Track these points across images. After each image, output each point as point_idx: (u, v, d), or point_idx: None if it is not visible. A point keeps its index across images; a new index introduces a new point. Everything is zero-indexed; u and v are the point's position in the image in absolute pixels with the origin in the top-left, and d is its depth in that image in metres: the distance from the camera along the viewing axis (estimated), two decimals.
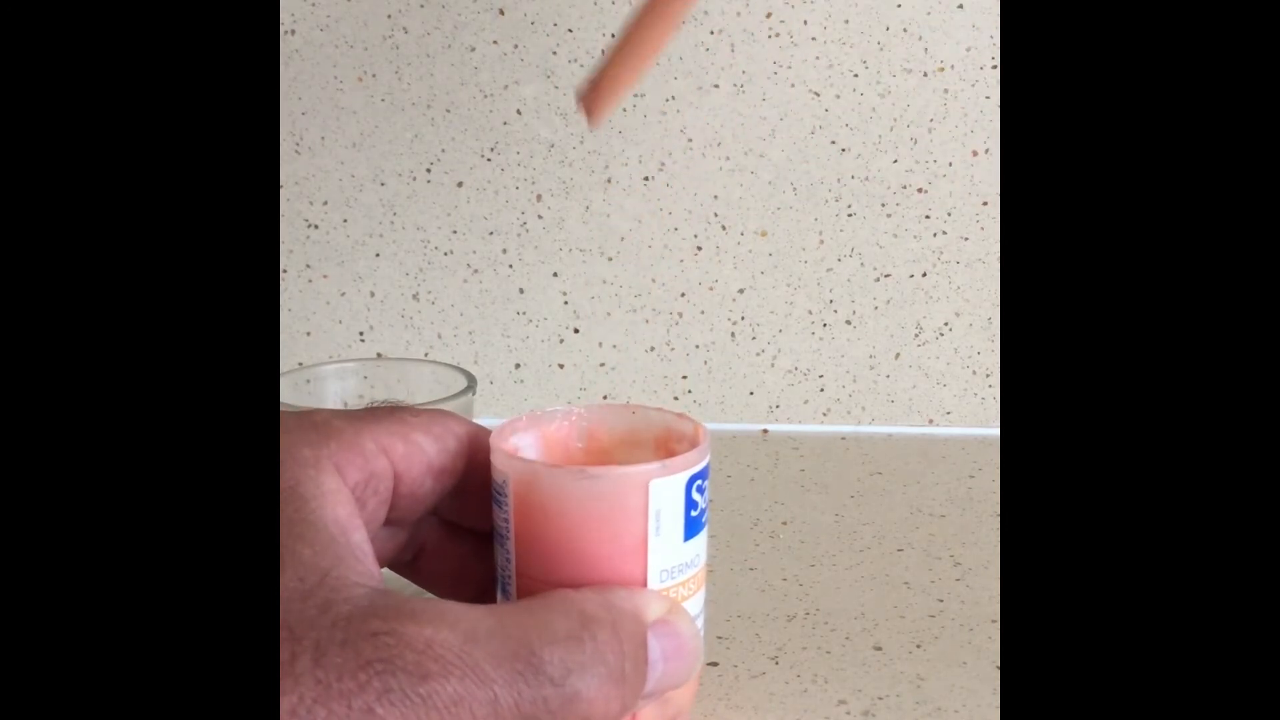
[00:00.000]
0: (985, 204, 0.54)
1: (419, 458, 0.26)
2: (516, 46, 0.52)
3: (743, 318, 0.56)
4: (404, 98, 0.53)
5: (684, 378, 0.57)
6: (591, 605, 0.22)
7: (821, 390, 0.57)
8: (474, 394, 0.37)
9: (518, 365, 0.57)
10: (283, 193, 0.54)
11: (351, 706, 0.19)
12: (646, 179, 0.54)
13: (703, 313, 0.56)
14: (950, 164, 0.53)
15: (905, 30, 0.52)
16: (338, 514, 0.22)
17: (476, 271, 0.55)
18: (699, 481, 0.25)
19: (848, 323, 0.56)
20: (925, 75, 0.52)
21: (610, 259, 0.55)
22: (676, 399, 0.57)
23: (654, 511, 0.24)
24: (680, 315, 0.56)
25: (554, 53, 0.52)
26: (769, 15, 0.52)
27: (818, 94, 0.53)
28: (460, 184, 0.54)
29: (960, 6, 0.51)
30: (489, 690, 0.20)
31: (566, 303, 0.56)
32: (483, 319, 0.56)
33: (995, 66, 0.52)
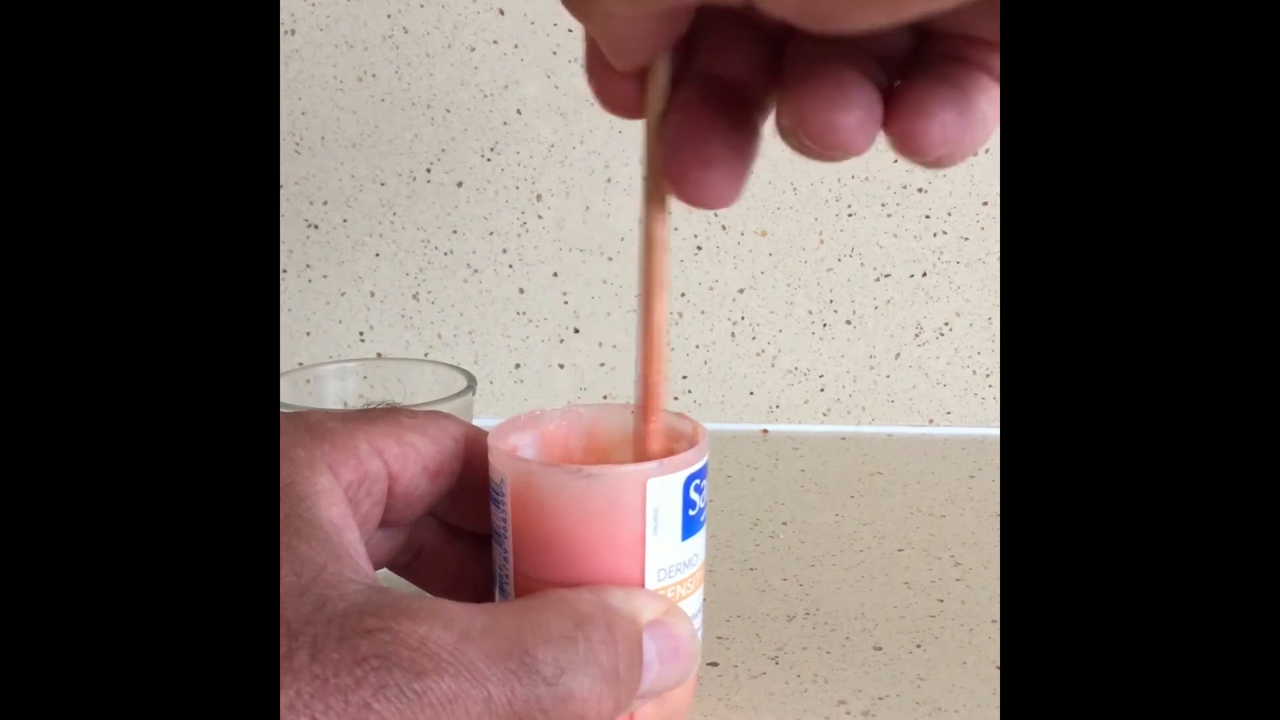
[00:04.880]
0: (985, 204, 0.54)
1: (414, 459, 0.26)
2: (516, 46, 0.52)
3: (743, 318, 0.56)
4: (404, 98, 0.53)
5: (684, 378, 0.57)
6: (586, 605, 0.22)
7: (821, 390, 0.57)
8: (474, 394, 0.37)
9: (518, 365, 0.57)
10: (283, 193, 0.54)
11: (348, 702, 0.19)
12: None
13: (703, 313, 0.56)
14: None
15: None
16: (331, 514, 0.23)
17: (476, 271, 0.55)
18: (697, 481, 0.25)
19: (848, 323, 0.56)
20: None
21: (610, 259, 0.55)
22: (676, 399, 0.57)
23: (651, 511, 0.24)
24: (680, 315, 0.56)
25: (554, 53, 0.52)
26: None
27: None
28: (460, 184, 0.54)
29: None
30: (483, 688, 0.20)
31: (566, 303, 0.56)
32: (483, 319, 0.56)
33: None
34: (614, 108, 0.21)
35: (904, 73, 0.20)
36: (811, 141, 0.19)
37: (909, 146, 0.19)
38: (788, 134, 0.20)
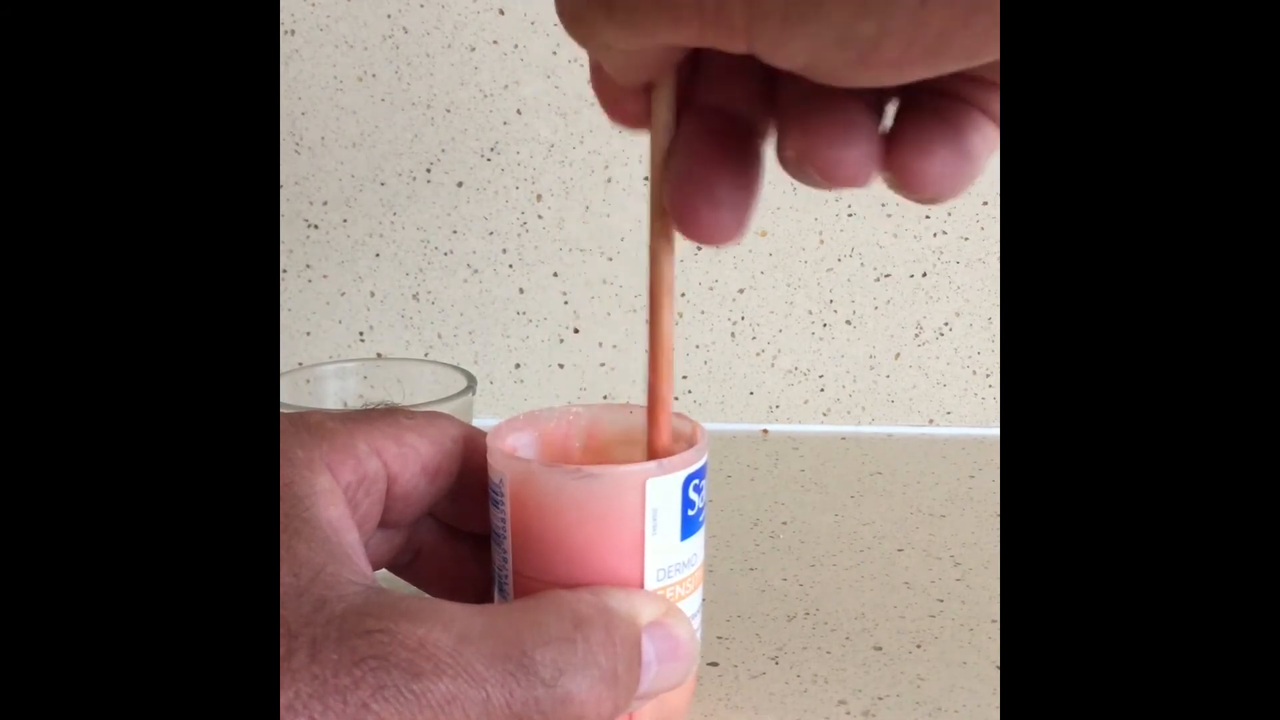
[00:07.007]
0: (985, 204, 0.54)
1: (413, 459, 0.26)
2: (516, 46, 0.52)
3: (743, 318, 0.56)
4: (404, 98, 0.53)
5: (684, 378, 0.57)
6: (585, 606, 0.22)
7: (821, 390, 0.57)
8: (474, 394, 0.37)
9: (518, 365, 0.57)
10: (283, 193, 0.54)
11: (347, 702, 0.19)
12: (647, 179, 0.54)
13: (703, 313, 0.56)
14: None
15: None
16: (330, 514, 0.23)
17: (476, 271, 0.55)
18: (696, 481, 0.25)
19: (848, 323, 0.56)
20: None
21: (610, 259, 0.55)
22: (676, 399, 0.57)
23: (650, 511, 0.24)
24: (680, 315, 0.56)
25: (554, 53, 0.52)
26: None
27: None
28: (460, 184, 0.54)
29: None
30: (481, 690, 0.20)
31: (566, 303, 0.56)
32: (483, 319, 0.56)
33: None
34: (620, 120, 0.22)
35: (898, 103, 0.20)
36: (817, 175, 0.19)
37: (907, 183, 0.20)
38: (791, 165, 0.20)
